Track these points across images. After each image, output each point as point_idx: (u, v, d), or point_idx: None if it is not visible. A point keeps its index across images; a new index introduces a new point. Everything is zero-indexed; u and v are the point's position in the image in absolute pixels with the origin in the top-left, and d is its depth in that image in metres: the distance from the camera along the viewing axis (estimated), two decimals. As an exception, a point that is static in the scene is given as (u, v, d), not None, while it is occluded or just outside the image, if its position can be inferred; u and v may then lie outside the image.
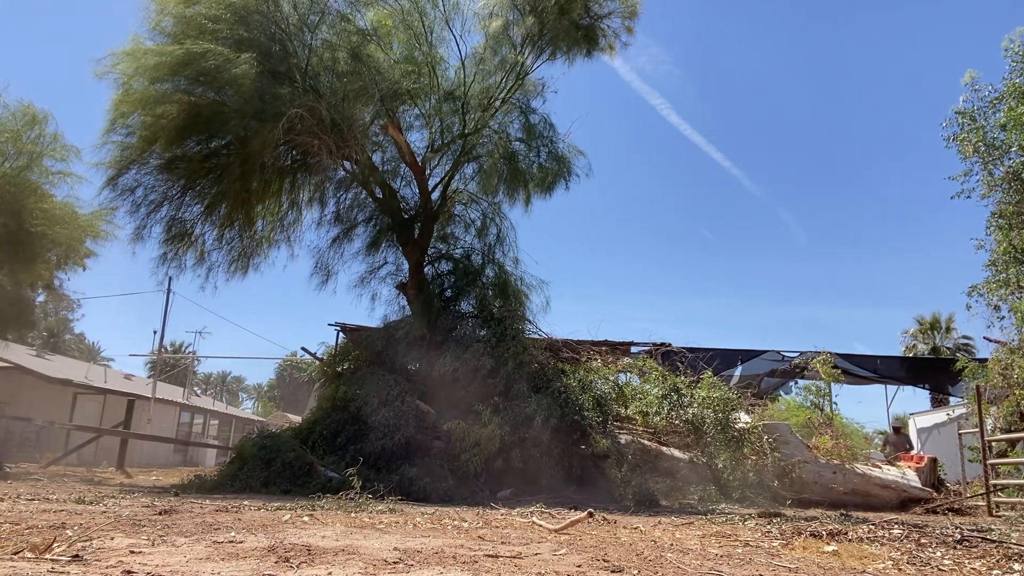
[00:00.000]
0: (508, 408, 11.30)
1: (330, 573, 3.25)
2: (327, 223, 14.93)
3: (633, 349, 15.83)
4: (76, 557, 3.40)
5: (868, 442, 22.52)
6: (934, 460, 12.79)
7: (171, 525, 4.93)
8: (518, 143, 14.79)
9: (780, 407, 17.05)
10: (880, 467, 12.17)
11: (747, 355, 18.14)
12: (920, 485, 11.66)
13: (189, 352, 50.86)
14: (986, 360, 13.66)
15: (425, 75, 13.25)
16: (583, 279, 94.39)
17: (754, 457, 11.30)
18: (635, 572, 3.59)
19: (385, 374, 12.29)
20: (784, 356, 17.94)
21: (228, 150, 12.23)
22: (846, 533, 5.48)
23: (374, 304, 15.28)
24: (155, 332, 69.52)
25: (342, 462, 10.31)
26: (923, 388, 20.95)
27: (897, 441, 15.25)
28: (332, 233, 14.94)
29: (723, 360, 16.54)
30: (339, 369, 13.61)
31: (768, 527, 6.32)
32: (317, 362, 16.02)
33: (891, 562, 4.28)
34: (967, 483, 12.17)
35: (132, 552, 3.64)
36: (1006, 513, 9.52)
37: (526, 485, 11.14)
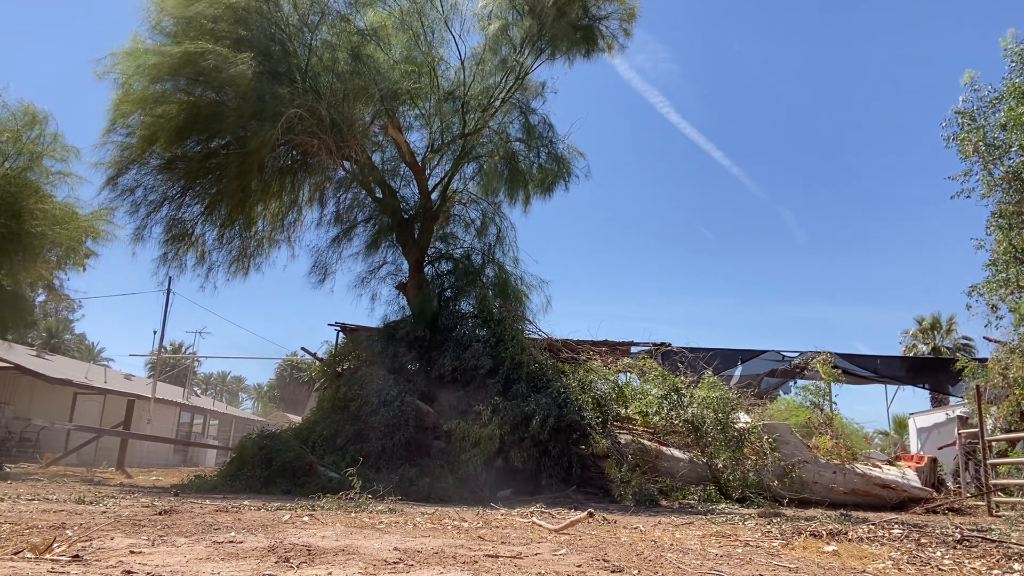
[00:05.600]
0: (508, 408, 11.30)
1: (330, 573, 3.25)
2: (327, 223, 14.95)
3: (633, 349, 15.84)
4: (76, 557, 3.40)
5: (868, 442, 22.53)
6: (934, 460, 12.78)
7: (171, 525, 4.93)
8: (518, 143, 14.80)
9: (780, 407, 17.03)
10: (880, 467, 12.17)
11: (747, 355, 18.14)
12: (920, 485, 11.66)
13: (189, 352, 50.89)
14: (986, 360, 13.65)
15: (425, 75, 13.25)
16: (583, 279, 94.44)
17: (754, 457, 11.30)
18: (635, 572, 3.59)
19: (385, 374, 12.29)
20: (784, 356, 17.95)
21: (228, 150, 12.23)
22: (846, 533, 5.48)
23: (374, 304, 15.32)
24: (155, 332, 69.59)
25: (342, 462, 10.31)
26: (923, 388, 20.96)
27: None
28: (332, 233, 14.97)
29: (723, 360, 16.55)
30: (339, 369, 13.61)
31: (768, 527, 6.31)
32: (317, 362, 16.02)
33: (891, 562, 4.28)
34: (967, 483, 12.17)
35: (132, 552, 3.64)
36: (1006, 513, 9.51)
37: (526, 485, 11.14)
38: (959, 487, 12.40)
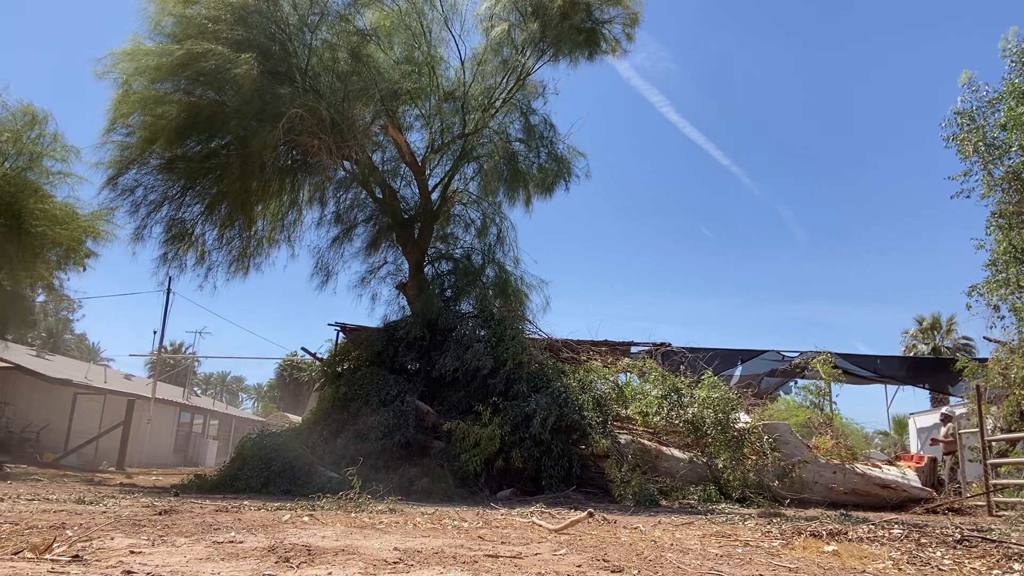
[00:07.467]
0: (508, 408, 11.29)
1: (330, 573, 3.25)
2: (327, 223, 14.97)
3: (633, 349, 15.83)
4: (76, 557, 3.40)
5: (868, 442, 22.53)
6: (934, 460, 12.77)
7: (171, 525, 4.93)
8: (518, 144, 14.80)
9: (780, 407, 17.02)
10: (880, 467, 12.16)
11: (747, 355, 18.13)
12: (920, 485, 11.66)
13: (189, 352, 50.89)
14: (986, 360, 13.63)
15: (425, 75, 13.26)
16: (583, 279, 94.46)
17: (754, 457, 11.29)
18: (635, 572, 3.59)
19: (385, 374, 12.28)
20: (784, 356, 17.93)
21: (228, 150, 12.24)
22: (846, 533, 5.48)
23: (374, 304, 15.32)
24: (155, 332, 69.57)
25: (342, 462, 10.31)
26: (923, 388, 20.97)
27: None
28: (332, 233, 14.99)
29: (723, 360, 16.53)
30: (339, 369, 13.61)
31: (768, 527, 6.31)
32: (317, 362, 16.02)
33: (891, 562, 4.28)
34: (967, 483, 12.16)
35: (132, 552, 3.64)
36: (1006, 513, 9.51)
37: (526, 485, 11.14)
38: (958, 487, 12.40)
